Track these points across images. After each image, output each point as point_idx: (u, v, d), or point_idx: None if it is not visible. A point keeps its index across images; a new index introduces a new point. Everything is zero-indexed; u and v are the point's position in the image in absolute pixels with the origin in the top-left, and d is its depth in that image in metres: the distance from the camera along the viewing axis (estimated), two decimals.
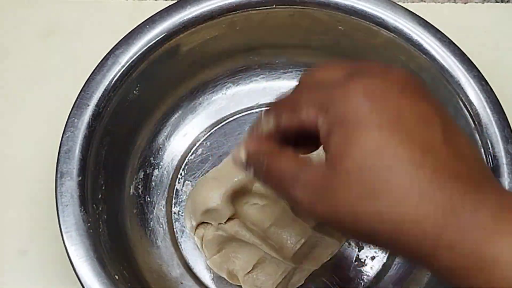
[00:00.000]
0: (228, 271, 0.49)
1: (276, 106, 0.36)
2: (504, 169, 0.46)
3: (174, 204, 0.53)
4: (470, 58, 0.49)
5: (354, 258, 0.51)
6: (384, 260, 0.51)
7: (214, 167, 0.53)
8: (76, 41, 0.59)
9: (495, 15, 0.60)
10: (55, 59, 0.58)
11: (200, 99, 0.56)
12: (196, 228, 0.50)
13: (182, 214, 0.53)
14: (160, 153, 0.54)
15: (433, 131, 0.30)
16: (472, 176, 0.30)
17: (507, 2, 0.61)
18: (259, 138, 0.36)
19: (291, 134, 0.35)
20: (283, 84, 0.57)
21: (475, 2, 0.61)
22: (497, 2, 0.61)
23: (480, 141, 0.47)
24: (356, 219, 0.30)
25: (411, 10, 0.50)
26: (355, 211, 0.30)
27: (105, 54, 0.49)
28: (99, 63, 0.48)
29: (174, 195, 0.53)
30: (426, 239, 0.29)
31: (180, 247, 0.52)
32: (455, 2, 0.61)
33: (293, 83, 0.57)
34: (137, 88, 0.50)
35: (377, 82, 0.31)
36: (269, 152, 0.35)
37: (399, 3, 0.51)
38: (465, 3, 0.61)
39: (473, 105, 0.47)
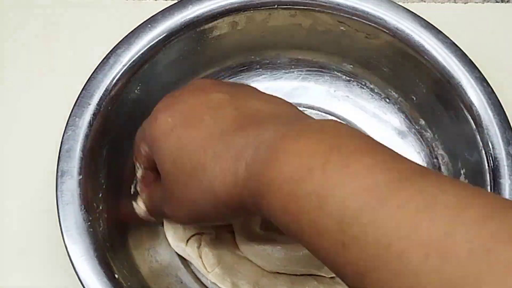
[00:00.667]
0: (232, 283, 0.48)
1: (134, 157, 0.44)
2: (505, 170, 0.46)
3: None
4: (472, 59, 0.49)
5: None
6: None
7: None
8: (76, 41, 0.59)
9: (495, 15, 0.60)
10: (55, 59, 0.58)
11: None
12: (188, 239, 0.49)
13: None
14: None
15: (212, 104, 0.36)
16: (255, 120, 0.35)
17: (507, 2, 0.61)
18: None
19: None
20: (284, 84, 0.57)
21: (475, 2, 0.61)
22: (497, 2, 0.61)
23: (481, 143, 0.47)
24: (188, 208, 0.37)
25: (411, 9, 0.50)
26: (181, 201, 0.37)
27: (106, 53, 0.49)
28: (101, 62, 0.49)
29: None
30: (234, 192, 0.33)
31: None
32: (455, 2, 0.61)
33: (295, 83, 0.57)
34: (138, 87, 0.50)
35: (171, 96, 0.40)
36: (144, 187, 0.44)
37: (400, 3, 0.51)
38: (465, 3, 0.61)
39: (475, 106, 0.47)
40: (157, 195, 0.41)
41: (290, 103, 0.39)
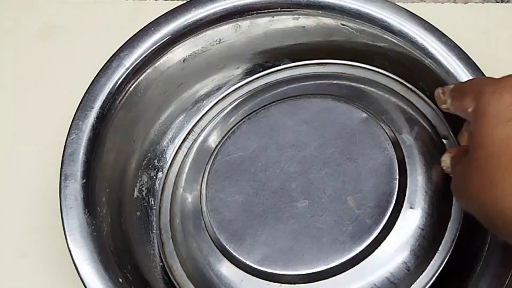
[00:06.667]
0: None
1: (452, 90, 0.41)
2: None
3: None
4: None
5: None
6: None
7: None
8: (76, 41, 0.59)
9: (495, 15, 0.60)
10: (55, 59, 0.59)
11: (204, 101, 0.56)
12: None
13: None
14: (164, 156, 0.54)
15: None
16: None
17: (507, 2, 0.61)
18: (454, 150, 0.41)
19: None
20: None
21: (475, 2, 0.61)
22: (497, 2, 0.61)
23: None
24: (479, 208, 0.34)
25: (411, 10, 0.50)
26: (478, 201, 0.33)
27: (109, 57, 0.49)
28: (104, 65, 0.48)
29: None
30: None
31: None
32: (455, 2, 0.61)
33: None
34: (141, 91, 0.50)
35: None
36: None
37: (400, 4, 0.51)
38: (465, 3, 0.61)
39: None
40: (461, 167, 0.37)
41: None
